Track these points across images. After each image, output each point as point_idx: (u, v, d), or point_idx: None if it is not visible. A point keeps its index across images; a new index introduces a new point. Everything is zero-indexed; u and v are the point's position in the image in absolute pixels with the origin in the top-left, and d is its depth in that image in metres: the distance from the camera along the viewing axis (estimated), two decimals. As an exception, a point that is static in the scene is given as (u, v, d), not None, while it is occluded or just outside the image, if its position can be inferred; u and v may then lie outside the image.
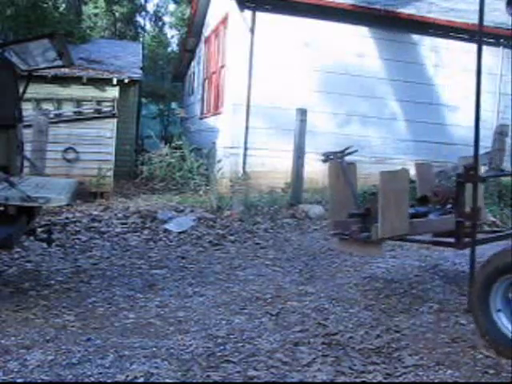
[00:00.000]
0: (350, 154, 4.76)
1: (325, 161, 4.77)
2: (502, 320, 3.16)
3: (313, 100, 9.86)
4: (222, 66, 11.32)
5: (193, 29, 15.37)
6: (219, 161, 9.27)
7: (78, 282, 4.67)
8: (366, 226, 4.06)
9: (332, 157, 4.73)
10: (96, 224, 6.85)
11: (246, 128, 9.90)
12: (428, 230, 4.38)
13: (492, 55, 11.01)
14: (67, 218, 7.01)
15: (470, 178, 3.89)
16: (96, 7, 27.66)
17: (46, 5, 14.49)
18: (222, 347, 3.28)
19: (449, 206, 4.45)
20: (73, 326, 3.61)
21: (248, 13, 9.87)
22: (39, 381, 2.79)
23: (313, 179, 9.55)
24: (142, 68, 13.55)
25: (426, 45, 10.86)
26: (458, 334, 3.52)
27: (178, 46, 30.14)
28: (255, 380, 2.87)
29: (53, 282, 4.62)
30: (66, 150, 9.66)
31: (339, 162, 4.65)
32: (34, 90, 8.46)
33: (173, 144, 10.98)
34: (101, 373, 2.88)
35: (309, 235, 6.83)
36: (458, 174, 4.14)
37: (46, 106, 9.43)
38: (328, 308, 4.02)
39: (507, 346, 3.07)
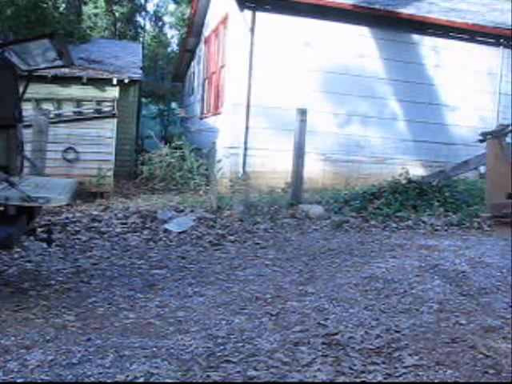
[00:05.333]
0: (510, 132, 4.48)
1: (482, 141, 4.52)
2: None
3: (313, 100, 9.86)
4: (222, 66, 11.33)
5: (193, 29, 15.38)
6: (219, 161, 9.27)
7: (78, 282, 4.67)
8: None
9: (490, 136, 4.44)
10: (96, 224, 6.85)
11: (246, 128, 9.90)
12: None
13: (492, 55, 11.02)
14: (67, 218, 7.01)
15: None
16: (96, 7, 27.67)
17: (45, 5, 14.49)
18: (221, 347, 3.28)
19: None
20: (73, 326, 3.61)
21: (248, 13, 9.87)
22: (39, 381, 2.79)
23: (313, 179, 9.56)
24: (142, 68, 13.55)
25: (426, 45, 10.86)
26: (458, 334, 3.52)
27: (177, 46, 30.17)
28: (255, 380, 2.87)
29: (53, 282, 4.62)
30: (66, 150, 9.67)
31: (498, 141, 4.36)
32: (34, 90, 8.48)
33: (173, 144, 10.99)
34: (101, 373, 2.87)
35: (309, 235, 6.82)
36: None
37: (46, 105, 9.43)
38: (328, 308, 4.02)
39: None
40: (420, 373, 2.97)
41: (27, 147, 6.22)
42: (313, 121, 8.94)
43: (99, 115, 10.00)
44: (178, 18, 31.95)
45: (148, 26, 34.19)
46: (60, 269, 5.02)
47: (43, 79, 9.50)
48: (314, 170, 9.82)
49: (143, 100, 21.02)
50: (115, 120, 10.10)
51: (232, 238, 6.57)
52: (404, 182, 8.54)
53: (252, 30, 9.89)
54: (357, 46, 10.40)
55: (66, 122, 9.76)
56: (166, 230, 6.71)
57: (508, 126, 4.42)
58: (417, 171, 9.98)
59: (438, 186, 8.34)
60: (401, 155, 10.64)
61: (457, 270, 5.08)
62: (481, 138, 4.49)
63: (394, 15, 10.37)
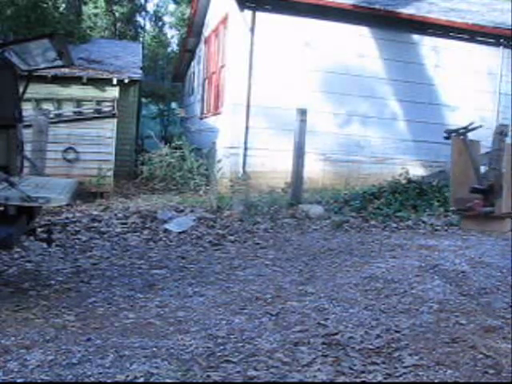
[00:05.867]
0: (473, 129, 4.63)
1: (447, 138, 4.68)
2: None
3: (313, 100, 9.86)
4: (222, 66, 11.33)
5: (193, 29, 15.38)
6: (219, 161, 9.27)
7: (78, 282, 4.67)
8: (489, 201, 3.96)
9: (455, 134, 4.60)
10: (96, 224, 6.85)
11: (246, 128, 9.91)
12: None
13: (492, 55, 11.02)
14: (67, 218, 7.02)
15: None
16: (96, 7, 27.67)
17: (46, 5, 14.49)
18: (221, 347, 3.28)
19: None
20: (73, 326, 3.61)
21: (248, 13, 9.87)
22: (39, 381, 2.79)
23: (313, 179, 9.56)
24: (142, 68, 13.56)
25: (426, 45, 10.86)
26: (458, 334, 3.52)
27: (177, 46, 30.17)
28: (255, 380, 2.87)
29: (53, 282, 4.62)
30: (65, 150, 9.67)
31: (462, 138, 4.51)
32: (34, 90, 8.47)
33: (173, 144, 10.99)
34: (101, 373, 2.87)
35: (309, 235, 6.82)
36: None
37: (46, 105, 9.43)
38: (328, 308, 4.02)
39: None
40: (420, 373, 2.97)
41: (27, 147, 6.22)
42: (313, 121, 8.94)
43: (99, 115, 10.00)
44: (178, 17, 31.94)
45: (148, 26, 34.23)
46: (60, 269, 5.02)
47: (43, 79, 9.51)
48: (314, 170, 9.82)
49: (143, 100, 21.01)
50: (115, 120, 10.10)
51: (232, 237, 6.57)
52: (404, 181, 8.55)
53: (252, 30, 9.89)
54: (357, 45, 10.40)
55: (66, 121, 9.76)
56: (165, 230, 6.71)
57: (470, 124, 4.55)
58: (417, 171, 9.98)
59: (437, 185, 8.34)
60: (401, 155, 10.64)
61: (457, 269, 5.08)
62: (446, 135, 4.64)
63: (394, 15, 10.37)
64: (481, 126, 4.64)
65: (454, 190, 4.41)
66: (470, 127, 4.54)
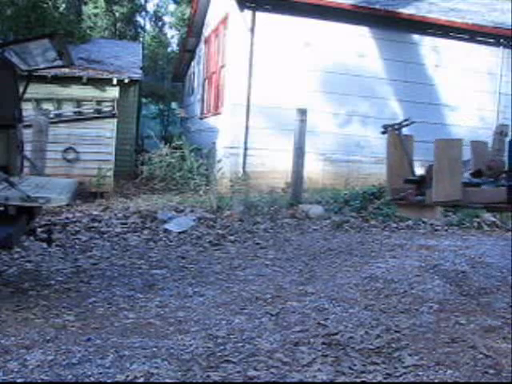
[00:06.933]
0: (406, 125, 4.92)
1: (384, 132, 4.95)
2: None
3: (313, 100, 9.86)
4: (222, 66, 11.33)
5: (193, 29, 15.38)
6: (219, 161, 9.27)
7: (78, 281, 4.66)
8: (421, 191, 4.22)
9: (390, 129, 4.89)
10: (96, 224, 6.85)
11: (246, 128, 9.90)
12: (480, 199, 4.41)
13: (492, 55, 11.02)
14: (67, 218, 7.01)
15: None
16: (96, 7, 27.66)
17: (46, 5, 14.49)
18: (222, 347, 3.28)
19: (502, 179, 4.47)
20: (73, 326, 3.61)
21: (248, 13, 9.87)
22: (39, 381, 2.79)
23: (313, 179, 9.56)
24: (142, 68, 13.55)
25: (426, 45, 10.86)
26: (458, 334, 3.52)
27: (177, 46, 30.16)
28: (255, 380, 2.87)
29: (53, 282, 4.61)
30: (65, 150, 9.67)
31: (397, 133, 4.76)
32: (34, 90, 8.45)
33: (173, 144, 10.98)
34: (101, 373, 2.87)
35: (309, 235, 6.82)
36: (510, 141, 4.23)
37: (46, 105, 9.42)
38: (328, 308, 4.02)
39: None
40: (420, 373, 2.97)
41: (27, 147, 6.22)
42: (313, 121, 8.94)
43: (99, 115, 9.99)
44: (177, 17, 31.94)
45: (148, 26, 34.24)
46: (60, 269, 5.02)
47: (43, 79, 9.50)
48: (314, 170, 9.82)
49: (143, 100, 21.02)
50: (115, 120, 10.09)
51: (232, 237, 6.57)
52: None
53: (252, 30, 9.88)
54: (357, 46, 10.40)
55: (66, 121, 9.75)
56: (165, 230, 6.71)
57: (405, 120, 4.80)
58: (417, 171, 9.96)
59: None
60: (401, 155, 10.62)
61: (457, 269, 5.09)
62: (383, 130, 4.89)
63: (394, 15, 10.37)
64: (414, 122, 4.98)
65: (390, 180, 4.71)
66: (404, 123, 4.83)
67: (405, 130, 5.05)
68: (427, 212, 4.53)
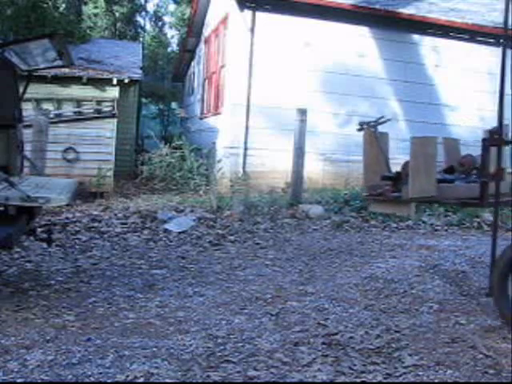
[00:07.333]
0: (382, 123, 5.00)
1: (360, 130, 5.01)
2: None
3: (313, 100, 9.86)
4: (222, 66, 11.33)
5: (193, 29, 15.38)
6: (219, 161, 9.27)
7: (78, 281, 4.67)
8: (397, 188, 4.28)
9: (366, 126, 4.95)
10: (96, 224, 6.85)
11: (246, 128, 9.90)
12: (454, 195, 4.52)
13: (492, 55, 11.01)
14: (67, 218, 7.01)
15: (494, 142, 4.09)
16: (96, 7, 27.64)
17: (46, 5, 14.50)
18: (222, 347, 3.28)
19: (474, 176, 4.60)
20: (73, 326, 3.61)
21: (248, 13, 9.87)
22: (39, 381, 2.79)
23: (313, 179, 9.56)
24: (141, 68, 13.56)
25: (426, 45, 10.86)
26: (458, 334, 3.52)
27: (177, 46, 30.16)
28: (255, 380, 2.87)
29: (53, 282, 4.62)
30: (65, 150, 9.67)
31: (373, 130, 4.81)
32: (34, 90, 8.46)
33: (173, 144, 10.98)
34: (101, 373, 2.88)
35: (309, 235, 6.82)
36: (483, 138, 4.35)
37: (46, 105, 9.42)
38: (328, 308, 4.02)
39: None
40: (420, 373, 2.97)
41: (27, 147, 6.22)
42: (313, 121, 8.94)
43: (99, 115, 10.00)
44: (177, 17, 31.94)
45: (148, 26, 34.23)
46: (60, 269, 5.02)
47: (43, 79, 9.50)
48: (314, 169, 9.82)
49: (143, 100, 21.01)
50: (115, 120, 10.09)
51: (232, 237, 6.57)
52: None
53: (252, 30, 9.88)
54: (357, 46, 10.40)
55: (66, 121, 9.76)
56: (165, 230, 6.71)
57: (380, 117, 4.88)
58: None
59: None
60: (401, 155, 10.58)
61: (457, 269, 5.09)
62: (359, 127, 4.96)
63: (394, 15, 10.37)
64: (389, 120, 5.07)
65: (366, 177, 4.78)
66: (379, 121, 4.90)
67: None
68: (402, 208, 4.61)
